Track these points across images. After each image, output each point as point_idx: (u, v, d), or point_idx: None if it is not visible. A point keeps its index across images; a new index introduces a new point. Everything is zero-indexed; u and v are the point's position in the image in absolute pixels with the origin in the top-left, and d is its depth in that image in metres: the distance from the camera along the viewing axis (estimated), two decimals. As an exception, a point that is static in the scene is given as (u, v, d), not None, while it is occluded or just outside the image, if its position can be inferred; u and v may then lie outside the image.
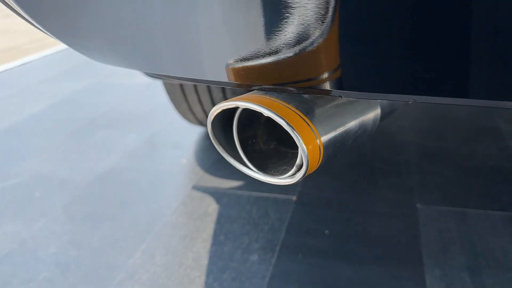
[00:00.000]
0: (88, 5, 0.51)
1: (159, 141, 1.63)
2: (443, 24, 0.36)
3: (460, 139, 1.54)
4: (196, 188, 1.31)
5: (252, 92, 0.52)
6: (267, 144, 0.59)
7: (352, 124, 0.52)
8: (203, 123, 1.54)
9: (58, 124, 1.85)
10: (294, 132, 0.45)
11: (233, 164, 0.56)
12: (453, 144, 1.51)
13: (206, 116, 1.45)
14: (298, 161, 0.48)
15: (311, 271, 0.97)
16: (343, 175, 1.34)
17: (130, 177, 1.39)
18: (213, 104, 1.37)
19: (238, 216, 1.16)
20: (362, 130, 0.54)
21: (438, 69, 0.38)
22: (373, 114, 0.56)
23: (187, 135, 1.66)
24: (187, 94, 1.36)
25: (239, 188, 1.29)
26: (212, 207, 1.21)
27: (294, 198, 1.23)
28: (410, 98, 0.41)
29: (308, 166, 0.47)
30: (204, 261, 1.01)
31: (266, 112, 0.46)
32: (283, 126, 0.45)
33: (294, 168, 0.49)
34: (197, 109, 1.42)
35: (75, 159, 1.53)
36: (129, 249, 1.06)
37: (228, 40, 0.46)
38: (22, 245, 1.09)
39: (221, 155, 0.57)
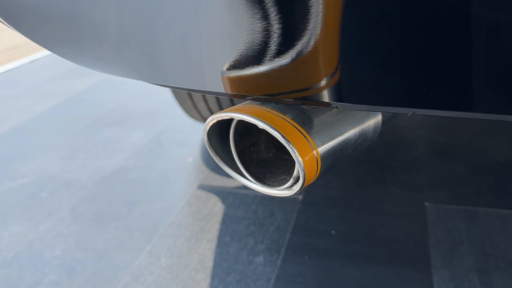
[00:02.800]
0: (92, 29, 0.50)
1: (165, 139, 1.63)
2: (442, 38, 0.34)
3: (470, 135, 1.51)
4: (202, 187, 1.30)
5: (248, 101, 0.50)
6: (266, 151, 0.58)
7: (351, 133, 0.50)
8: (208, 121, 1.52)
9: (65, 122, 1.86)
10: (290, 144, 0.44)
11: (230, 175, 0.54)
12: (463, 140, 1.48)
13: (211, 113, 1.44)
14: (295, 173, 0.47)
15: (317, 273, 0.96)
16: (350, 173, 1.32)
17: (136, 176, 1.39)
18: (218, 102, 1.36)
19: (244, 216, 1.15)
20: (362, 139, 0.53)
21: (437, 82, 0.36)
22: (373, 121, 0.54)
23: (193, 133, 1.65)
24: (192, 92, 1.35)
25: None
26: (217, 207, 1.20)
27: (300, 197, 1.22)
28: (409, 111, 0.39)
29: (305, 179, 0.45)
30: (209, 263, 1.01)
31: (261, 125, 0.44)
32: (278, 138, 0.44)
33: (292, 180, 0.48)
34: (202, 106, 1.40)
35: (82, 158, 1.53)
36: (134, 251, 1.06)
37: (222, 51, 0.45)
38: (29, 247, 1.09)
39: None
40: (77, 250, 1.08)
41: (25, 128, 1.83)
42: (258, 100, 0.49)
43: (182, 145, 1.57)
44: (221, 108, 1.37)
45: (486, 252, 0.99)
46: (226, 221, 1.14)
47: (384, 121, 0.56)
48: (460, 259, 0.98)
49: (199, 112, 1.44)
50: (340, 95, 0.42)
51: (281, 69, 0.42)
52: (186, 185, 1.33)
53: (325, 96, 0.42)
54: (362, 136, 0.52)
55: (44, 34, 0.60)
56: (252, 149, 0.56)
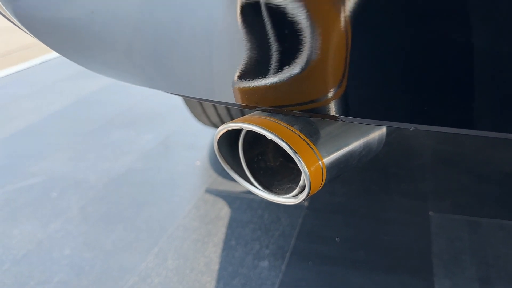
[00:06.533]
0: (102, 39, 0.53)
1: (174, 142, 1.65)
2: (445, 57, 0.36)
3: (476, 145, 1.52)
4: (209, 191, 1.32)
5: (257, 112, 0.52)
6: (274, 160, 0.59)
7: (356, 144, 0.52)
8: (217, 126, 1.54)
9: (75, 123, 1.89)
10: (296, 155, 0.46)
11: (238, 182, 0.56)
12: (468, 149, 1.49)
13: (220, 118, 1.46)
14: (301, 182, 0.49)
15: (321, 278, 0.98)
16: (355, 180, 1.34)
17: (144, 178, 1.41)
18: (227, 108, 1.38)
19: (250, 221, 1.17)
20: (367, 150, 0.54)
21: (438, 100, 0.38)
22: (378, 133, 0.56)
23: (202, 137, 1.68)
24: (203, 101, 1.37)
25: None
26: (224, 211, 1.22)
27: (305, 203, 1.23)
28: (411, 126, 0.41)
29: (310, 188, 0.47)
30: (215, 266, 1.03)
31: (269, 135, 0.46)
32: (285, 149, 0.46)
33: (298, 189, 0.50)
34: (211, 112, 1.42)
35: (92, 159, 1.56)
36: (142, 252, 1.08)
37: (233, 63, 0.47)
38: (38, 246, 1.12)
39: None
40: (85, 250, 1.10)
41: (35, 128, 1.86)
42: (267, 111, 0.51)
43: (190, 149, 1.59)
44: (230, 115, 1.39)
45: (488, 263, 1.00)
46: (232, 225, 1.16)
47: (388, 133, 0.58)
48: (462, 268, 0.99)
49: (208, 117, 1.46)
50: (346, 109, 0.43)
51: (290, 82, 0.44)
52: (194, 188, 1.35)
53: (332, 110, 0.44)
54: (366, 147, 0.54)
55: (60, 43, 0.62)
56: (260, 158, 0.58)
